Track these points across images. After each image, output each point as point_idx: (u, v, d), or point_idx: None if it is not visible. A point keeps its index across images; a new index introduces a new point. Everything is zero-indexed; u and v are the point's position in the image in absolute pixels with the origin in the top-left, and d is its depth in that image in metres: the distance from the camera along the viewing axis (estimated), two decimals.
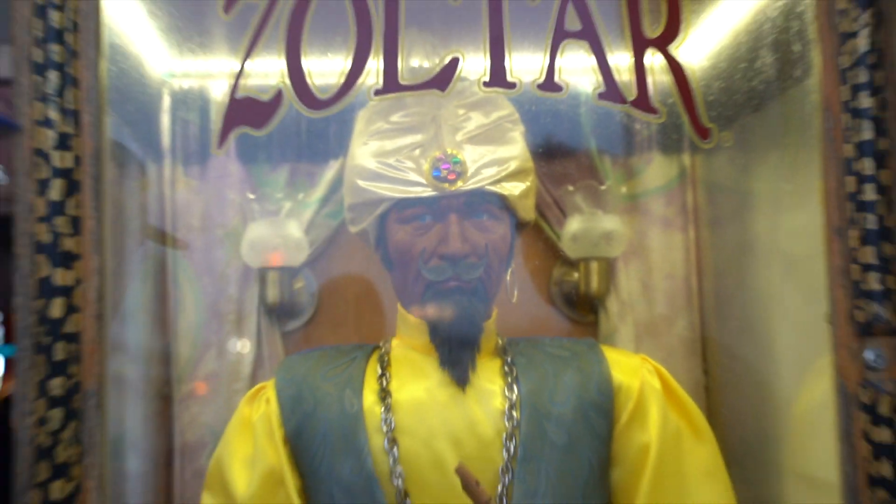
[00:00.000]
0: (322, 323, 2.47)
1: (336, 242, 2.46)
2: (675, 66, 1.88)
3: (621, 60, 1.90)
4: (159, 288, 2.41)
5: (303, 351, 2.19)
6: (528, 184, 2.02)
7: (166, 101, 2.33)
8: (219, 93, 2.13)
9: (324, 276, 2.48)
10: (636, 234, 2.49)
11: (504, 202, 1.97)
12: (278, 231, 2.40)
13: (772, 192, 2.21)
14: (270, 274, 2.38)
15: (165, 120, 2.34)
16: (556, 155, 2.39)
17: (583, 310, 2.48)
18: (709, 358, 2.48)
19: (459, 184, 1.92)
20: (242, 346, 2.43)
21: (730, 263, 2.42)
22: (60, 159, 1.59)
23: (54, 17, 1.57)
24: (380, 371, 2.02)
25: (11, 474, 1.80)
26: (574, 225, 2.42)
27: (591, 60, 1.89)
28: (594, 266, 2.42)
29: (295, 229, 2.40)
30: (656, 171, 2.48)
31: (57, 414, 1.57)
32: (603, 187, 2.45)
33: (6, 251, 1.78)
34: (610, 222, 2.44)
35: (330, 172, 2.40)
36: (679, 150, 2.42)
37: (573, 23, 1.82)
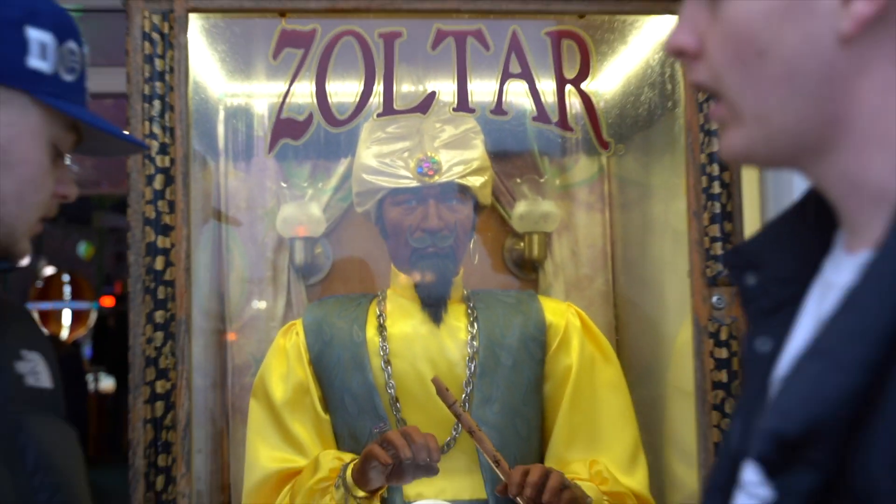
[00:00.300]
0: (335, 278, 2.58)
1: (346, 219, 2.57)
2: (584, 98, 2.09)
3: (548, 92, 2.10)
4: (216, 251, 2.52)
5: (322, 298, 2.44)
6: (486, 177, 2.23)
7: (221, 115, 2.47)
8: (260, 108, 2.45)
9: (337, 244, 2.59)
10: (566, 215, 2.62)
11: (468, 191, 2.19)
12: (303, 211, 2.51)
13: (664, 185, 2.35)
14: (297, 242, 2.50)
15: (221, 129, 2.49)
16: (507, 156, 2.54)
17: (526, 270, 2.63)
18: (618, 305, 2.64)
19: (436, 178, 2.15)
20: (276, 296, 2.57)
21: (634, 236, 2.57)
22: (161, 161, 1.82)
23: (158, 63, 1.79)
24: (378, 312, 2.25)
25: (84, 403, 2.07)
26: (520, 207, 2.56)
27: (528, 93, 2.09)
28: (535, 238, 2.56)
29: (315, 209, 2.51)
30: (582, 168, 2.62)
31: (159, 335, 1.81)
32: (542, 180, 2.59)
33: (75, 227, 2.05)
34: (547, 206, 2.57)
35: (341, 168, 2.53)
36: (598, 153, 2.48)
37: (515, 67, 2.03)
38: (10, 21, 1.22)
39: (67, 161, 1.37)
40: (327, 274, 2.58)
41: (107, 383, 9.26)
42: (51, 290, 9.71)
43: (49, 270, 9.97)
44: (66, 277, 10.19)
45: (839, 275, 0.92)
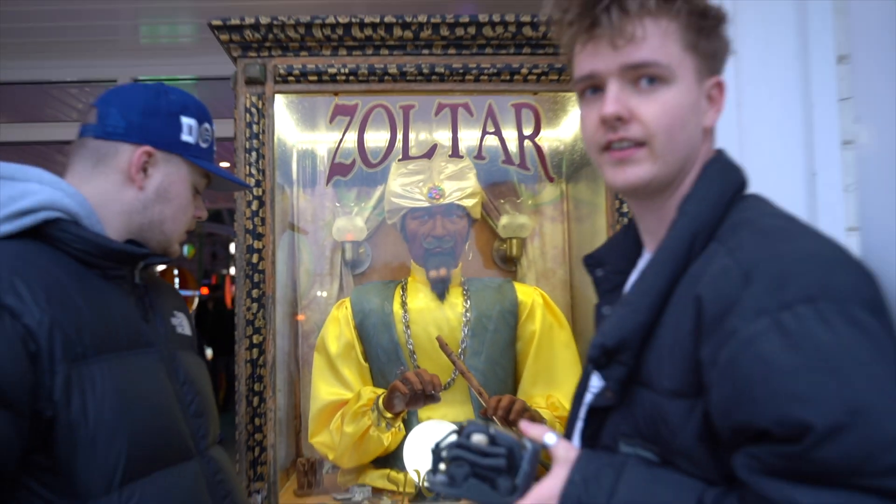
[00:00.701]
0: (374, 270, 2.70)
1: (381, 228, 2.68)
2: (537, 147, 2.28)
3: (512, 143, 2.30)
4: (291, 252, 2.62)
5: (364, 284, 2.63)
6: (477, 199, 2.44)
7: (294, 157, 2.63)
8: (320, 152, 2.63)
9: (375, 246, 2.71)
10: (537, 225, 2.73)
11: (464, 209, 2.41)
12: (351, 222, 2.65)
13: (604, 204, 2.25)
14: (347, 245, 2.66)
15: (294, 165, 2.64)
16: (496, 184, 2.66)
17: (508, 264, 2.75)
18: (573, 290, 2.74)
19: (441, 200, 2.38)
20: (332, 282, 2.71)
21: (584, 241, 2.60)
22: (256, 191, 2.04)
23: (255, 128, 2.02)
24: (402, 293, 2.47)
25: (229, 333, 2.15)
26: (504, 220, 2.68)
27: (499, 145, 2.33)
28: (514, 242, 2.69)
29: (360, 221, 2.66)
30: (548, 192, 2.72)
31: (254, 305, 2.03)
32: (519, 200, 2.70)
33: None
34: (523, 219, 2.69)
35: (377, 192, 2.65)
36: (559, 182, 2.65)
37: (490, 127, 2.24)
38: (173, 112, 1.44)
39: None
40: (368, 267, 2.70)
41: (207, 352, 9.26)
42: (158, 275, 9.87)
43: (161, 266, 10.17)
44: (175, 271, 10.43)
45: (643, 264, 1.16)
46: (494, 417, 2.21)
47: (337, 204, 2.69)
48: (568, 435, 1.22)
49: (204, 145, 1.50)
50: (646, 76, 1.04)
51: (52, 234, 1.32)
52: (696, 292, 0.96)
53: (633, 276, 1.21)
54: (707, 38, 1.05)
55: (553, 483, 1.01)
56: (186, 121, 1.45)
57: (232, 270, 12.64)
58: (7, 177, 1.35)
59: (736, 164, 1.12)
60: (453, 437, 1.07)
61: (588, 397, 1.18)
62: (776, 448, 0.84)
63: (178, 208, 1.47)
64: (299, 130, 2.55)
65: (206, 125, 1.50)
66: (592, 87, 1.09)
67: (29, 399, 1.17)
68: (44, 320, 1.20)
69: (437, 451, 1.07)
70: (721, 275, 0.94)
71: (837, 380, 0.82)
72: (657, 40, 1.03)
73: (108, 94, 1.47)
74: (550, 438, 1.05)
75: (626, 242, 1.25)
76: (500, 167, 2.42)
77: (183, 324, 1.59)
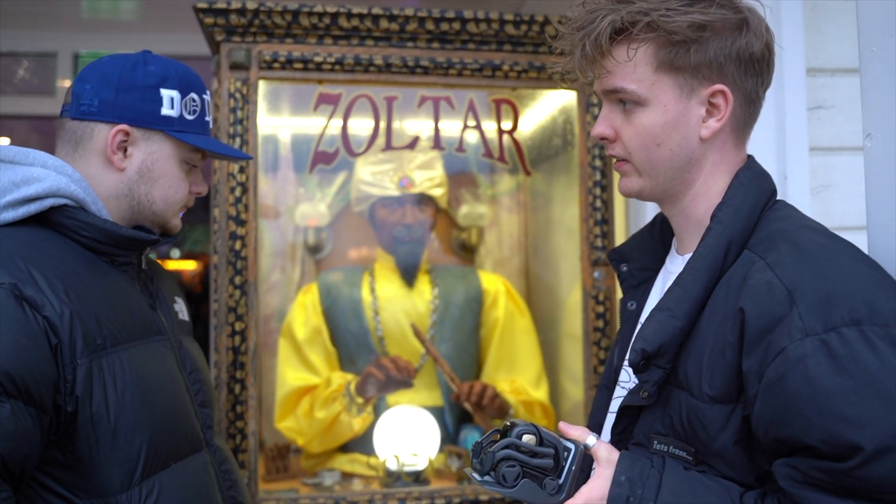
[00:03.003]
0: (334, 255, 2.65)
1: (344, 214, 2.65)
2: (515, 142, 2.31)
3: (492, 137, 2.33)
4: (254, 235, 2.37)
5: (329, 269, 2.59)
6: (444, 189, 2.47)
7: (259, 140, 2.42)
8: (284, 137, 2.55)
9: (337, 230, 2.66)
10: (495, 215, 2.75)
11: (431, 199, 2.44)
12: (314, 207, 2.61)
13: (561, 197, 2.46)
14: (310, 230, 2.61)
15: (259, 150, 2.36)
16: (456, 175, 2.61)
17: (467, 252, 2.74)
18: (529, 278, 2.74)
19: (411, 189, 2.40)
20: (294, 266, 2.63)
21: (540, 230, 2.68)
22: (240, 177, 2.02)
23: (239, 113, 1.99)
24: (370, 279, 2.48)
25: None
26: (464, 209, 2.69)
27: (478, 138, 2.33)
28: (474, 230, 2.70)
29: (322, 206, 2.61)
30: (505, 183, 2.74)
31: (237, 292, 2.01)
32: (479, 190, 2.72)
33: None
34: (482, 208, 2.71)
35: (339, 179, 2.60)
36: (518, 173, 2.61)
37: (471, 121, 2.26)
38: (150, 85, 1.35)
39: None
40: (330, 252, 2.66)
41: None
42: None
43: None
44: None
45: (673, 266, 1.21)
46: (466, 403, 2.27)
47: (300, 189, 2.66)
48: (595, 429, 1.27)
49: (190, 117, 1.39)
50: (622, 100, 1.12)
51: (60, 221, 1.29)
52: (738, 304, 1.01)
53: (661, 275, 1.26)
54: (686, 53, 1.07)
55: (600, 484, 1.04)
56: (167, 93, 1.36)
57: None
58: (7, 160, 1.31)
59: (765, 171, 1.17)
60: (498, 437, 1.10)
61: (619, 392, 1.24)
62: (821, 464, 0.90)
63: (166, 187, 1.40)
64: (263, 114, 2.47)
65: (193, 95, 1.40)
66: None
67: (51, 394, 1.15)
68: (64, 312, 1.18)
69: (480, 450, 1.09)
70: (766, 291, 0.98)
71: (885, 403, 0.88)
72: (626, 67, 1.10)
73: (86, 69, 1.40)
74: (591, 440, 1.10)
75: (652, 240, 1.30)
76: (461, 159, 2.44)
77: (183, 310, 1.57)
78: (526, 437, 1.08)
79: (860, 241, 1.12)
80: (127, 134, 1.34)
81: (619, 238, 2.19)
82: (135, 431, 1.23)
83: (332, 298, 2.45)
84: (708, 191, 1.15)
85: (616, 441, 1.18)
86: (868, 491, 0.87)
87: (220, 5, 1.98)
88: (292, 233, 2.67)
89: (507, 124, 2.31)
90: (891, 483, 0.86)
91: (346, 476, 2.32)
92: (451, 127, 2.31)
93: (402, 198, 2.41)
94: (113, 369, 1.23)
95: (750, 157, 1.19)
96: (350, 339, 2.43)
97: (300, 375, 2.39)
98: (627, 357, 1.12)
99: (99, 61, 1.38)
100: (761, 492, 0.99)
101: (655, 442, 1.11)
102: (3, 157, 1.30)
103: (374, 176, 2.43)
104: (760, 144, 1.82)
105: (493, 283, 2.54)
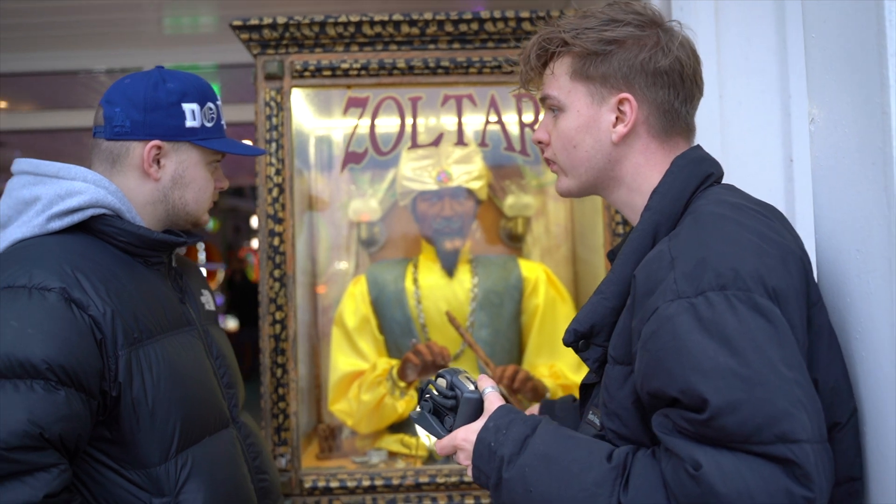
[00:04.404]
0: (387, 248, 2.76)
1: (394, 209, 2.74)
2: None
3: (514, 130, 2.38)
4: (310, 231, 2.67)
5: (378, 261, 2.72)
6: (483, 182, 2.54)
7: (312, 142, 2.71)
8: (336, 138, 2.72)
9: (388, 225, 2.77)
10: (541, 204, 2.79)
11: (470, 191, 2.52)
12: (366, 203, 2.72)
13: None
14: (362, 224, 2.74)
15: (312, 151, 2.71)
16: (503, 166, 2.70)
17: (514, 241, 2.78)
18: (576, 264, 2.79)
19: (449, 183, 2.49)
20: (348, 260, 2.79)
21: (585, 219, 2.66)
22: (277, 179, 2.16)
23: (274, 120, 2.14)
24: (413, 269, 2.58)
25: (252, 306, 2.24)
26: (510, 199, 2.74)
27: (501, 132, 2.38)
28: (520, 220, 2.75)
29: (374, 202, 2.72)
30: (551, 174, 2.37)
31: (276, 284, 2.15)
32: (523, 181, 2.76)
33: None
34: (528, 198, 2.75)
35: (389, 175, 2.70)
36: None
37: (493, 116, 2.32)
38: (172, 102, 1.49)
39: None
40: (382, 245, 2.78)
41: (232, 324, 9.48)
42: (190, 254, 10.00)
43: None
44: (200, 245, 10.59)
45: None
46: (500, 386, 2.34)
47: (352, 186, 2.78)
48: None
49: (210, 124, 1.53)
50: (550, 107, 1.26)
51: (99, 229, 1.45)
52: (634, 272, 1.11)
53: None
54: (595, 64, 1.20)
55: (475, 426, 1.18)
56: (188, 107, 1.50)
57: (254, 244, 12.77)
58: (53, 175, 1.47)
59: (706, 157, 1.23)
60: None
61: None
62: (684, 413, 0.98)
63: (197, 190, 1.55)
64: (316, 118, 2.65)
65: (210, 104, 1.54)
66: None
67: (98, 381, 1.32)
68: (107, 311, 1.35)
69: (420, 390, 1.25)
70: (655, 258, 1.08)
71: (737, 360, 0.95)
72: (552, 79, 1.25)
73: (110, 91, 1.53)
74: (488, 391, 1.23)
75: None
76: (500, 151, 2.49)
77: (209, 301, 1.72)
78: (440, 381, 1.25)
79: None
80: (159, 148, 1.50)
81: None
82: (169, 412, 1.40)
83: (378, 289, 2.58)
84: (642, 185, 1.22)
85: (579, 418, 1.27)
86: (722, 440, 0.94)
87: (254, 21, 2.14)
88: (347, 228, 2.81)
89: (528, 117, 2.36)
90: (740, 434, 0.93)
91: (393, 455, 2.45)
92: (475, 122, 2.39)
93: (441, 191, 2.51)
94: (149, 359, 1.40)
95: (693, 147, 1.25)
96: (395, 327, 2.55)
97: (350, 361, 2.53)
98: (563, 339, 1.21)
99: (121, 83, 1.53)
100: (635, 447, 1.06)
101: (589, 413, 1.21)
102: (49, 172, 1.48)
103: (414, 171, 2.54)
104: (765, 128, 1.83)
105: (534, 271, 2.61)
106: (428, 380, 1.29)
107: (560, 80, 1.24)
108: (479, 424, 1.18)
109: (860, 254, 1.13)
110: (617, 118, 1.20)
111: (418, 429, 1.32)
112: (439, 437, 1.24)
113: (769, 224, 1.12)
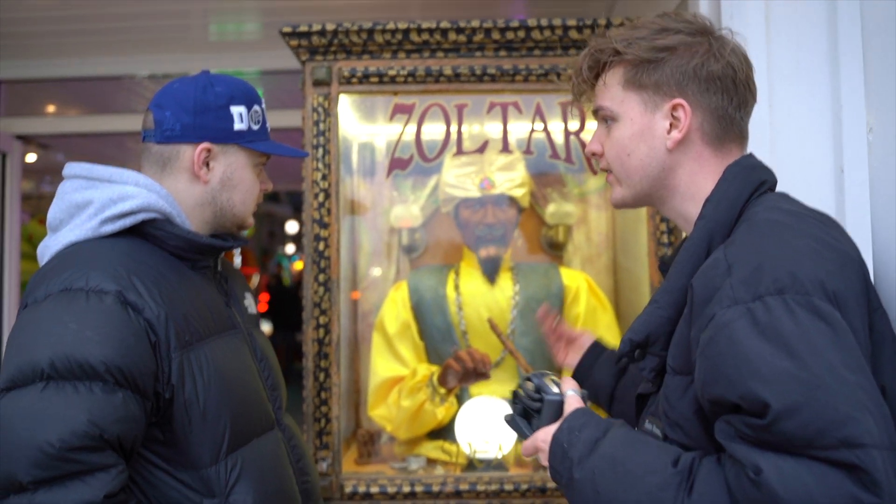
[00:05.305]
0: (428, 254, 2.78)
1: (435, 216, 2.78)
2: (581, 143, 2.35)
3: (559, 138, 2.38)
4: (352, 237, 2.67)
5: (418, 268, 2.73)
6: (525, 190, 2.55)
7: (355, 147, 2.73)
8: (379, 145, 2.74)
9: (429, 231, 2.79)
10: (582, 213, 2.81)
11: (512, 199, 2.53)
12: (408, 209, 2.75)
13: None
14: (404, 231, 2.76)
15: (355, 157, 2.72)
16: (544, 175, 2.71)
17: (556, 249, 2.80)
18: (617, 273, 2.80)
19: (492, 190, 2.50)
20: (389, 265, 2.81)
21: (627, 227, 2.68)
22: (323, 184, 2.19)
23: (321, 126, 2.16)
24: (454, 276, 2.59)
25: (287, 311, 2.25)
26: (551, 207, 2.76)
27: (546, 140, 2.39)
28: (561, 228, 2.77)
29: (415, 209, 2.75)
30: (593, 182, 2.78)
31: (321, 289, 2.18)
32: (565, 189, 2.78)
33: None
34: (569, 206, 2.77)
35: (432, 182, 2.74)
36: (597, 171, 2.41)
37: (538, 123, 2.32)
38: (221, 105, 1.50)
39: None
40: (423, 251, 2.80)
41: (266, 328, 9.54)
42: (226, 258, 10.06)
43: None
44: (237, 249, 10.65)
45: None
46: None
47: (394, 192, 2.80)
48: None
49: (256, 127, 1.55)
50: (604, 118, 1.27)
51: (150, 232, 1.47)
52: (691, 281, 1.10)
53: None
54: (647, 72, 1.21)
55: (553, 428, 1.19)
56: (236, 109, 1.51)
57: (288, 248, 12.85)
58: (105, 179, 1.49)
59: (759, 165, 1.23)
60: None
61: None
62: (745, 419, 0.97)
63: (244, 191, 1.57)
64: (360, 124, 2.67)
65: (256, 107, 1.56)
66: None
67: (152, 383, 1.34)
68: (161, 314, 1.36)
69: (513, 393, 1.33)
70: (712, 265, 1.08)
71: (796, 364, 0.94)
72: (604, 90, 1.27)
73: (159, 96, 1.54)
74: (570, 393, 1.24)
75: None
76: (543, 159, 2.49)
77: (251, 304, 1.75)
78: (527, 384, 1.29)
79: None
80: (209, 151, 1.51)
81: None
82: (220, 414, 1.42)
83: (419, 295, 2.59)
84: (696, 193, 1.22)
85: (635, 426, 1.27)
86: (783, 445, 0.94)
87: (303, 28, 2.17)
88: (388, 233, 2.83)
89: (574, 125, 2.36)
90: (801, 438, 0.92)
91: (432, 462, 2.46)
92: (520, 129, 2.40)
93: (484, 198, 2.51)
94: (199, 361, 1.42)
95: (746, 155, 1.25)
96: (436, 333, 2.56)
97: (391, 366, 2.54)
98: (619, 348, 1.21)
99: (170, 87, 1.55)
100: (702, 453, 1.06)
101: (647, 422, 1.20)
102: (101, 176, 1.50)
103: (457, 178, 2.56)
104: (815, 136, 1.82)
105: (575, 280, 2.61)
106: (519, 383, 1.32)
107: (612, 91, 1.25)
108: (555, 427, 1.19)
109: None
110: (671, 125, 1.21)
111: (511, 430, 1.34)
112: (526, 438, 1.26)
113: (826, 230, 1.11)
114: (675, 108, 1.20)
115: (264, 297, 9.98)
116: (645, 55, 1.20)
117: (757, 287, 1.00)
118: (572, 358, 1.69)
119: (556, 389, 1.25)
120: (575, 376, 1.65)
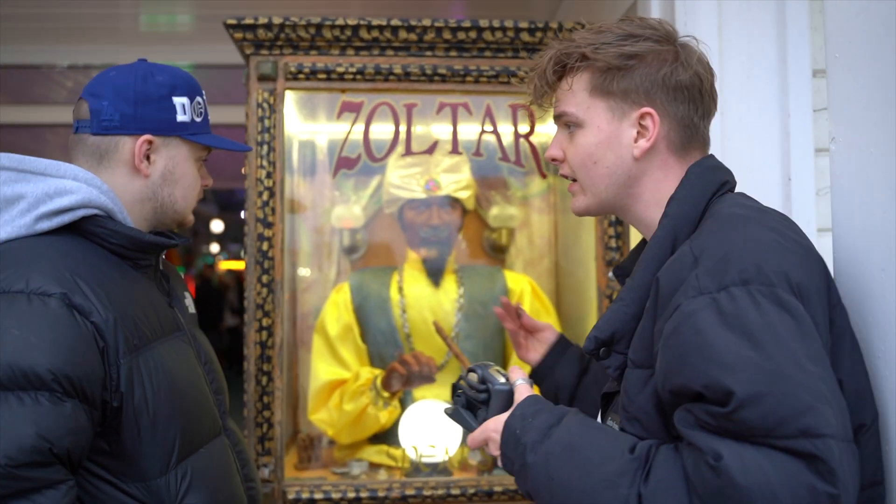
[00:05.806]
0: (369, 255, 2.75)
1: (377, 216, 2.76)
2: (531, 146, 2.37)
3: (508, 141, 2.39)
4: (291, 236, 2.57)
5: (360, 269, 2.70)
6: (470, 192, 2.56)
7: (295, 145, 2.65)
8: (321, 142, 2.67)
9: (371, 232, 2.77)
10: (525, 216, 2.82)
11: (457, 201, 2.52)
12: (349, 210, 2.73)
13: None
14: (345, 231, 2.73)
15: (295, 155, 2.64)
16: (488, 177, 2.72)
17: (498, 252, 2.82)
18: (559, 277, 2.83)
19: (437, 192, 2.49)
20: (330, 267, 2.77)
21: (569, 231, 2.73)
22: (267, 182, 2.13)
23: (266, 122, 2.10)
24: (398, 278, 2.58)
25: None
26: (495, 210, 2.78)
27: (496, 142, 2.39)
28: (504, 231, 2.78)
29: (357, 209, 2.72)
30: (536, 185, 2.80)
31: (264, 290, 2.12)
32: (509, 192, 2.79)
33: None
34: (512, 209, 2.79)
35: (374, 182, 2.72)
36: (549, 175, 2.61)
37: (488, 125, 2.32)
38: (163, 95, 1.42)
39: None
40: (364, 252, 2.77)
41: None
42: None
43: None
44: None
45: None
46: None
47: (336, 192, 2.77)
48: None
49: (198, 119, 1.49)
50: (566, 123, 1.25)
51: (90, 230, 1.38)
52: (657, 275, 1.11)
53: None
54: (615, 79, 1.20)
55: (504, 416, 1.18)
56: (179, 100, 1.45)
57: (213, 248, 12.55)
58: (39, 172, 1.39)
59: (721, 166, 1.25)
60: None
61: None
62: (707, 407, 0.97)
63: (186, 186, 1.50)
64: (301, 122, 2.62)
65: (198, 99, 1.50)
66: None
67: (100, 392, 1.26)
68: (108, 318, 1.28)
69: (453, 386, 1.32)
70: (678, 259, 1.09)
71: (760, 354, 0.95)
72: (568, 94, 1.24)
73: (94, 84, 1.46)
74: (519, 382, 1.24)
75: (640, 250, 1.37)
76: (491, 162, 2.49)
77: (190, 304, 1.68)
78: (471, 375, 1.29)
79: None
80: (150, 143, 1.43)
81: (634, 238, 2.20)
82: (170, 421, 1.35)
83: (362, 297, 2.55)
84: (661, 200, 1.23)
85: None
86: (743, 433, 0.94)
87: (249, 21, 2.11)
88: (328, 234, 2.78)
89: (524, 128, 2.36)
90: (763, 427, 0.93)
91: (374, 466, 2.42)
92: (469, 131, 2.38)
93: (429, 200, 2.50)
94: (148, 366, 1.34)
95: (707, 156, 1.26)
96: (379, 336, 2.53)
97: (332, 370, 2.50)
98: (583, 346, 1.20)
99: (105, 75, 1.45)
100: (659, 441, 1.06)
101: (608, 420, 1.20)
102: (34, 169, 1.40)
103: (402, 179, 2.53)
104: (764, 146, 1.87)
105: (519, 283, 2.61)
106: (460, 376, 1.31)
107: (578, 96, 1.23)
108: (506, 414, 1.19)
109: (885, 273, 1.14)
110: (638, 133, 1.21)
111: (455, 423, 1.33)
112: (472, 430, 1.25)
113: (789, 226, 1.14)
114: (643, 116, 1.20)
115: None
116: (613, 62, 1.19)
117: (722, 277, 1.01)
118: (535, 353, 1.68)
119: (502, 379, 1.25)
120: (536, 372, 1.64)
